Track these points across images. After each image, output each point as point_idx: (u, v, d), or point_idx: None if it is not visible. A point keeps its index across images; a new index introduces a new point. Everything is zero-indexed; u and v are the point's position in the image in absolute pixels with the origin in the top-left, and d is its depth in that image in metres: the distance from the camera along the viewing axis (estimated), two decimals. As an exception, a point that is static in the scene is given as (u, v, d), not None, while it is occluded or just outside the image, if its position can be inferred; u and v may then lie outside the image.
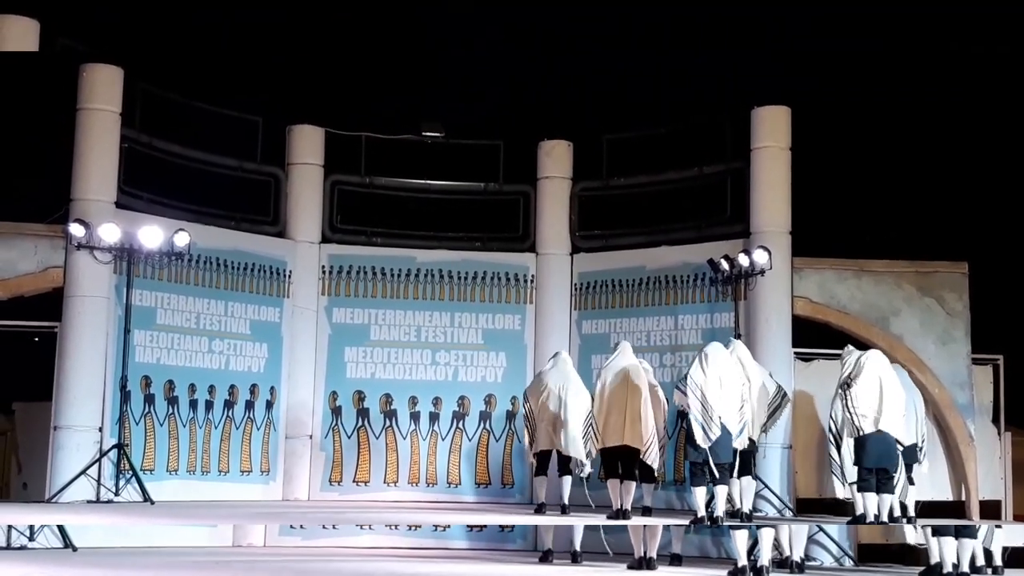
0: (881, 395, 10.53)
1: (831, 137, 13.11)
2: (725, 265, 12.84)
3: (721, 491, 10.33)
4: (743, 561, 10.22)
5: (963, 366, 12.82)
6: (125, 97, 12.70)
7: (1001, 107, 12.88)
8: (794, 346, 12.78)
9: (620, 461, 10.90)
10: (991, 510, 12.57)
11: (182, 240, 12.63)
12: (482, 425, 13.97)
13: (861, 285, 12.99)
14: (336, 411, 13.87)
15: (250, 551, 11.79)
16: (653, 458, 10.74)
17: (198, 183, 13.49)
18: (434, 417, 13.95)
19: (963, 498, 12.59)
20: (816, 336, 12.95)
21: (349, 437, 13.84)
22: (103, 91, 12.59)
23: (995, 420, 13.12)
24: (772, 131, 13.08)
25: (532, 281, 14.23)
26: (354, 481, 13.74)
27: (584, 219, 14.30)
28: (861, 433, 10.46)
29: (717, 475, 10.24)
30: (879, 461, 10.40)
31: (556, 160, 14.42)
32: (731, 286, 12.96)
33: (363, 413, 13.90)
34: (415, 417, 13.93)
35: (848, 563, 11.89)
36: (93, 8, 12.19)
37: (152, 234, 12.46)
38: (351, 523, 12.01)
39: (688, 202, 13.71)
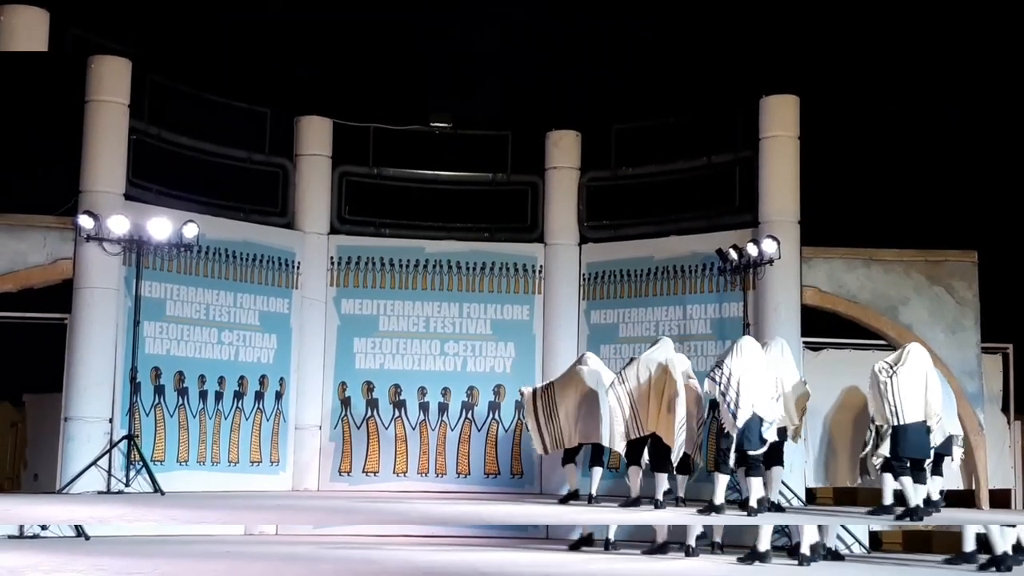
0: (925, 386, 10.40)
1: (840, 126, 13.09)
2: (734, 255, 12.82)
3: (756, 483, 10.19)
4: (765, 546, 10.13)
5: (972, 355, 12.83)
6: (134, 89, 12.73)
7: (1011, 96, 12.84)
8: (803, 336, 12.77)
9: (651, 451, 10.96)
10: (1001, 499, 12.57)
11: (191, 231, 12.64)
12: (491, 415, 13.98)
13: (870, 274, 12.99)
14: (345, 402, 13.89)
15: (261, 540, 11.81)
16: (678, 447, 10.74)
17: (207, 175, 13.51)
18: (443, 407, 13.97)
19: (973, 487, 12.59)
20: (825, 325, 12.96)
21: (358, 427, 13.86)
22: (112, 83, 12.61)
23: (1005, 409, 13.13)
24: (781, 120, 13.07)
25: (540, 271, 14.24)
26: (364, 471, 13.77)
27: (592, 209, 14.29)
28: (901, 422, 10.30)
29: (732, 463, 10.18)
30: (917, 451, 10.30)
31: (564, 150, 14.42)
32: (740, 276, 12.95)
33: (372, 404, 13.92)
34: (424, 407, 13.95)
35: (860, 551, 11.85)
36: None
37: (161, 226, 12.48)
38: (362, 514, 12.00)
39: (697, 192, 13.70)
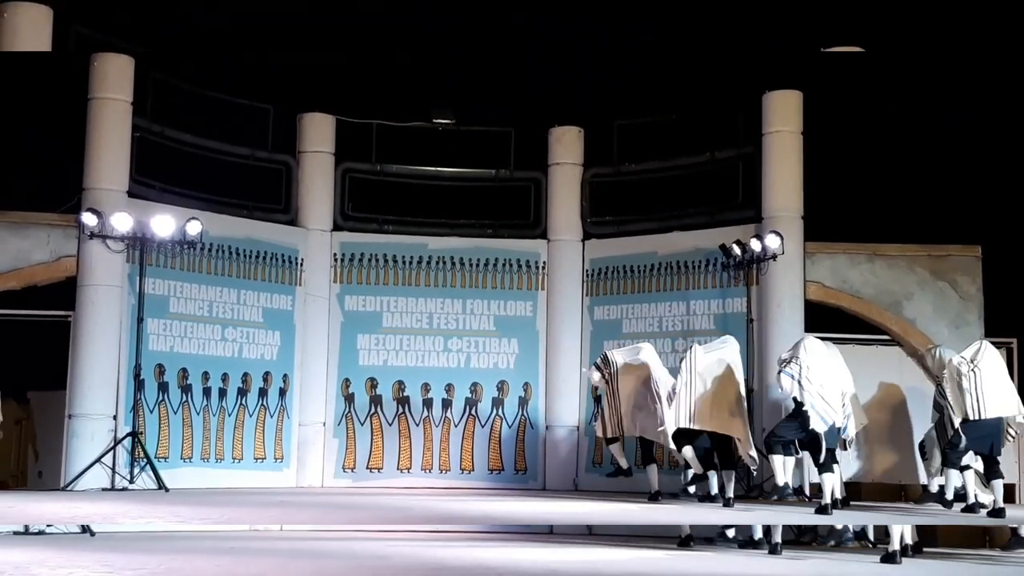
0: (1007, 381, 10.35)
1: (843, 121, 13.05)
2: (737, 250, 12.83)
3: (828, 479, 10.04)
4: (895, 548, 9.97)
5: (976, 350, 12.77)
6: (136, 86, 12.74)
7: (1016, 90, 12.82)
8: (807, 331, 12.72)
9: (719, 449, 10.98)
10: (1007, 494, 12.51)
11: (194, 228, 12.66)
12: (495, 411, 13.99)
13: (874, 269, 12.97)
14: (349, 398, 13.90)
15: (266, 535, 11.81)
16: (748, 451, 10.78)
17: (210, 172, 13.52)
18: (447, 404, 13.98)
19: (977, 482, 12.56)
20: (829, 321, 12.92)
21: (362, 424, 13.87)
22: (114, 80, 12.62)
23: (1008, 404, 13.07)
24: (784, 115, 13.07)
25: (544, 267, 14.24)
26: (367, 468, 13.79)
27: (595, 205, 14.30)
28: (981, 416, 10.16)
29: (824, 459, 10.01)
30: (991, 447, 10.18)
31: (567, 146, 14.43)
32: (743, 271, 12.96)
33: (376, 400, 13.93)
34: (428, 404, 13.96)
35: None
36: (104, -4, 12.21)
37: (164, 223, 12.49)
38: (367, 511, 12.02)
39: (700, 187, 13.71)
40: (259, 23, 13.51)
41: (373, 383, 13.95)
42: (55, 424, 12.52)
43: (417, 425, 13.91)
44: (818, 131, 13.03)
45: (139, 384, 12.44)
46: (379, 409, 13.92)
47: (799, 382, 10.05)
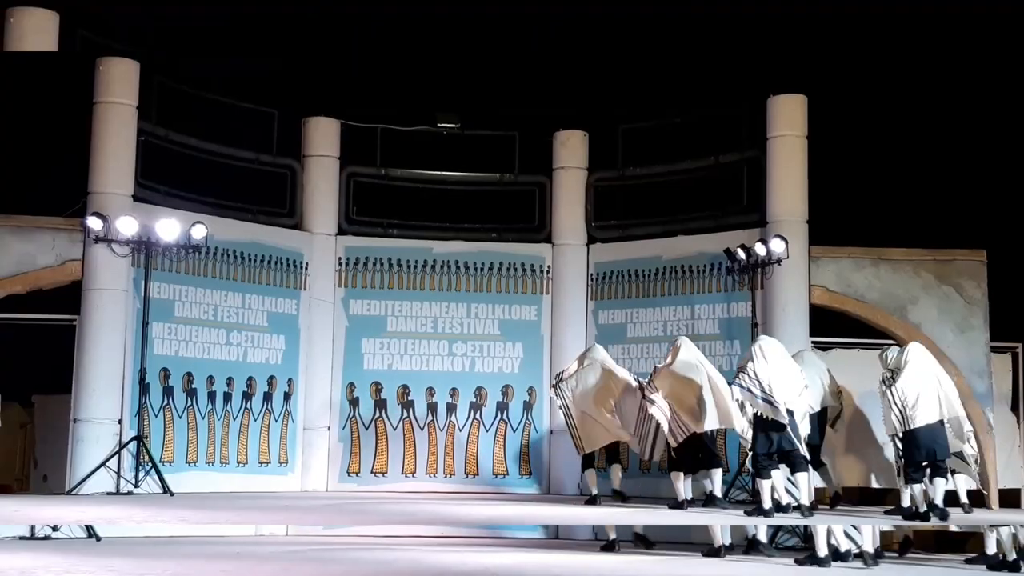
0: (935, 385, 10.19)
1: (848, 125, 13.06)
2: (742, 254, 12.82)
3: (803, 478, 10.04)
4: (823, 552, 9.97)
5: (981, 354, 12.80)
6: (142, 91, 12.75)
7: (1020, 94, 12.81)
8: (811, 335, 12.76)
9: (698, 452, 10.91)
10: (1011, 499, 12.54)
11: (199, 233, 12.66)
12: (499, 416, 13.99)
13: (879, 273, 12.97)
14: (354, 402, 13.90)
15: (271, 540, 11.82)
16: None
17: (215, 176, 13.53)
18: (451, 408, 13.97)
19: (983, 487, 12.53)
20: (834, 325, 12.94)
21: (367, 428, 13.87)
22: (120, 85, 12.63)
23: (1014, 408, 13.12)
24: (788, 119, 13.07)
25: (548, 272, 14.24)
26: (372, 472, 13.78)
27: (600, 209, 14.29)
28: (912, 427, 10.08)
29: (808, 456, 10.04)
30: (930, 455, 10.10)
31: (571, 150, 14.42)
32: (748, 275, 12.95)
33: (380, 404, 13.93)
34: (432, 408, 13.96)
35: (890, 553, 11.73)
36: (111, 1, 12.20)
37: (169, 227, 12.50)
38: (371, 515, 12.02)
39: (704, 191, 13.70)
40: (263, 27, 13.53)
41: (378, 387, 13.95)
42: (60, 428, 12.52)
43: (422, 429, 13.91)
44: (823, 135, 13.02)
45: (144, 388, 12.45)
46: (384, 413, 13.92)
47: (748, 390, 10.08)
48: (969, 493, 10.64)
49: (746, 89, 13.33)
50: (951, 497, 10.42)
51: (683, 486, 10.75)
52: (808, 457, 10.23)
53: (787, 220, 12.89)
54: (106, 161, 12.54)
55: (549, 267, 14.24)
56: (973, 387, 12.64)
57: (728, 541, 10.58)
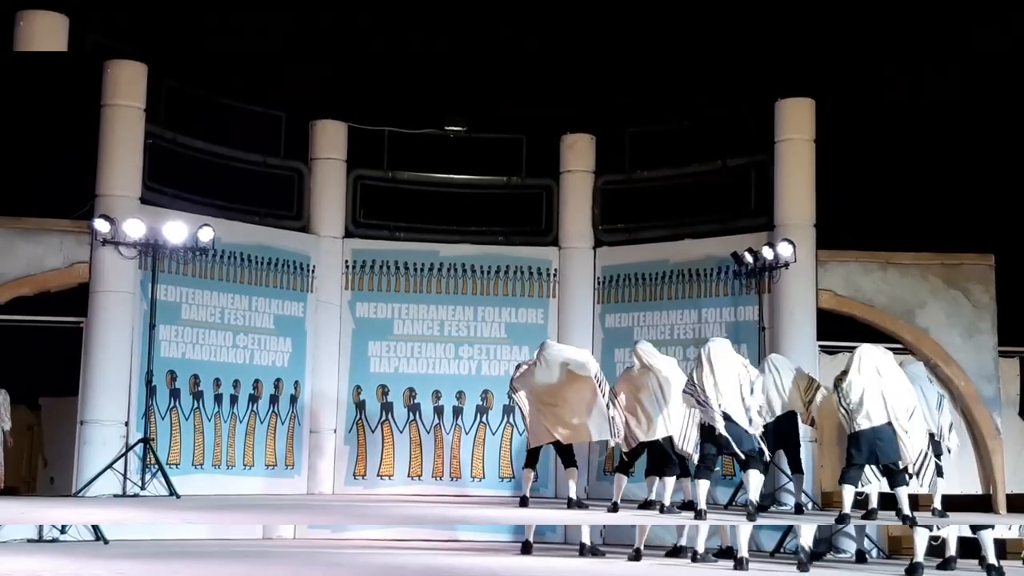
0: (878, 388, 10.07)
1: (855, 129, 13.05)
2: (749, 258, 12.81)
3: (756, 479, 10.02)
4: (743, 552, 10.02)
5: (989, 359, 12.79)
6: (149, 93, 12.76)
7: (1029, 98, 12.80)
8: (819, 339, 12.74)
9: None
10: (1019, 503, 12.51)
11: (206, 235, 12.66)
12: (506, 419, 13.97)
13: (887, 278, 12.95)
14: (360, 405, 13.89)
15: (279, 543, 11.82)
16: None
17: (222, 178, 13.53)
18: (458, 411, 13.97)
19: (990, 492, 12.53)
20: (841, 329, 12.90)
21: (373, 431, 13.86)
22: (128, 87, 12.64)
23: (1022, 413, 13.09)
24: (796, 123, 13.06)
25: (555, 275, 14.23)
26: (378, 475, 13.77)
27: (607, 213, 14.29)
28: (856, 429, 10.02)
29: (759, 456, 10.05)
30: (871, 457, 10.04)
31: (579, 154, 14.42)
32: (755, 279, 12.93)
33: (387, 407, 13.92)
34: (439, 411, 13.95)
35: (876, 555, 11.79)
36: (119, 4, 12.21)
37: (176, 229, 12.50)
38: (377, 518, 12.03)
39: (712, 195, 13.69)
40: (271, 30, 13.53)
41: (384, 390, 13.94)
42: (67, 430, 12.53)
43: (428, 432, 13.90)
44: (830, 139, 13.01)
45: (151, 390, 12.44)
46: (390, 416, 13.91)
47: (690, 395, 10.12)
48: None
49: (754, 92, 13.31)
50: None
51: (620, 489, 10.88)
52: (757, 457, 10.10)
53: (795, 224, 12.88)
54: (114, 163, 12.55)
55: (556, 270, 14.23)
56: (981, 392, 12.63)
57: (683, 543, 10.77)
